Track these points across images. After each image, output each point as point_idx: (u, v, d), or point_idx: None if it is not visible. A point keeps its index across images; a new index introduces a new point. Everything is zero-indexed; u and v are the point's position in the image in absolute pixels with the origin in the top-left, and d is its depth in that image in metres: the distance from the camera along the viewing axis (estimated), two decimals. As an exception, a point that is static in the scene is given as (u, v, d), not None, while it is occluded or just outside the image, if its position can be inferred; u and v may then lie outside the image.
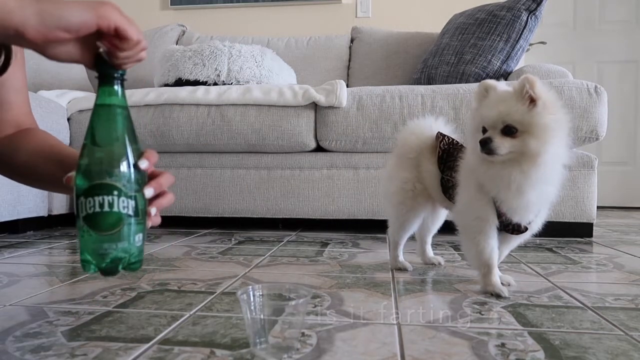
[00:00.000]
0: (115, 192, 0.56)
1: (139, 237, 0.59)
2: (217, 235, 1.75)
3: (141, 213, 0.59)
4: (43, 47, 0.52)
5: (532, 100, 0.84)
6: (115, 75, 0.57)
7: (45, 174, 0.75)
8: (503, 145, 0.85)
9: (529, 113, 0.84)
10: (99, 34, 0.54)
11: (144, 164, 0.59)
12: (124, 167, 0.57)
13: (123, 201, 0.56)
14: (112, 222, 0.56)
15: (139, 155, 0.59)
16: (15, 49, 0.76)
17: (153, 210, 0.61)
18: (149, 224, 0.61)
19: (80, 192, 0.56)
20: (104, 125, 0.57)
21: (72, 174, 0.58)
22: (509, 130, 0.86)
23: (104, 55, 0.55)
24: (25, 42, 0.51)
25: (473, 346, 0.67)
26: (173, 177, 0.65)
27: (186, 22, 2.95)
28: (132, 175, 0.57)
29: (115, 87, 0.57)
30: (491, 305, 0.88)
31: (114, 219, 0.56)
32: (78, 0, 0.52)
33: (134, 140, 0.59)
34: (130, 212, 0.57)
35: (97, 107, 0.57)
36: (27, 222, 1.80)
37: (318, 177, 1.81)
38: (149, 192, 0.59)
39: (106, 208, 0.55)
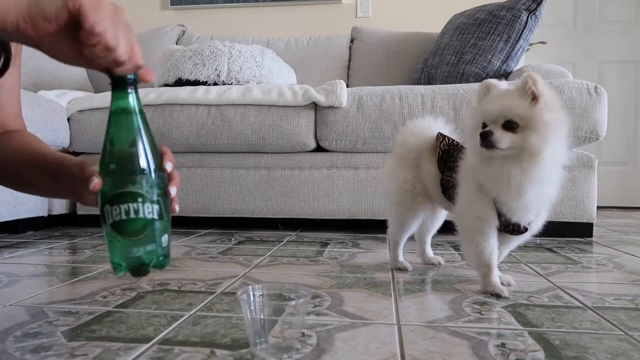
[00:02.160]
0: (140, 199, 0.56)
1: (165, 238, 0.59)
2: (217, 235, 1.75)
3: (165, 214, 0.59)
4: (39, 42, 0.52)
5: (534, 97, 0.85)
6: (127, 80, 0.56)
7: (29, 176, 0.74)
8: (503, 139, 0.85)
9: (530, 109, 0.85)
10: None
11: (169, 167, 0.59)
12: (145, 173, 0.57)
13: (148, 207, 0.57)
14: (139, 228, 0.57)
15: (159, 156, 0.59)
16: (14, 51, 0.75)
17: (177, 207, 0.62)
18: None
19: (104, 200, 0.57)
20: (120, 132, 0.57)
21: (96, 181, 0.56)
22: (510, 125, 0.86)
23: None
24: (20, 36, 0.50)
25: (473, 346, 0.67)
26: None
27: (186, 22, 2.95)
28: (154, 180, 0.57)
29: (129, 91, 0.57)
30: (491, 305, 0.88)
31: (141, 225, 0.56)
32: None
33: (152, 142, 0.58)
34: (156, 216, 0.57)
35: (112, 114, 0.57)
36: (27, 222, 1.80)
37: (318, 177, 1.81)
38: (173, 191, 0.60)
39: (132, 215, 0.56)
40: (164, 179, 0.59)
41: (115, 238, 0.57)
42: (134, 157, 0.56)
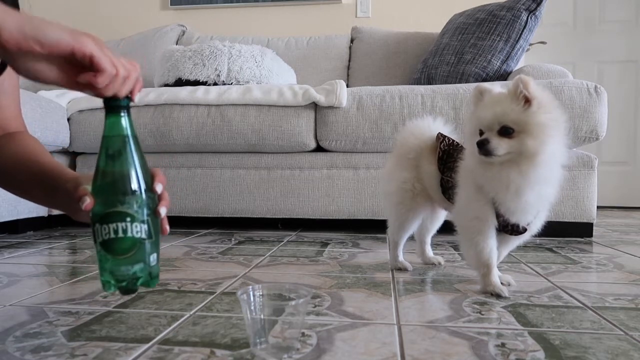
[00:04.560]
0: (128, 219, 0.58)
1: (153, 257, 0.61)
2: (217, 235, 1.75)
3: (154, 234, 0.61)
4: (14, 57, 0.52)
5: (527, 100, 0.84)
6: (121, 105, 0.58)
7: (24, 184, 0.74)
8: (500, 146, 0.85)
9: (524, 113, 0.84)
10: (77, 65, 0.54)
11: (159, 188, 0.61)
12: (134, 194, 0.59)
13: (136, 226, 0.58)
14: (127, 247, 0.58)
15: (149, 177, 0.61)
16: None
17: (167, 227, 0.63)
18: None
19: (95, 219, 0.59)
20: (112, 155, 0.59)
21: (88, 201, 0.58)
22: (505, 131, 0.86)
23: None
24: None
25: (473, 346, 0.67)
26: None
27: (186, 22, 2.95)
28: (143, 201, 0.59)
29: (122, 116, 0.59)
30: (491, 305, 0.88)
31: (129, 244, 0.58)
32: (63, 26, 0.53)
33: (142, 164, 0.60)
34: (144, 236, 0.59)
35: (105, 137, 0.59)
36: (27, 222, 1.80)
37: (318, 177, 1.81)
38: (163, 211, 0.61)
39: (120, 234, 0.58)
40: (153, 200, 0.61)
41: (105, 256, 0.59)
42: (124, 178, 0.58)
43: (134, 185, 0.59)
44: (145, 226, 0.59)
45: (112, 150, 0.59)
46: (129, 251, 0.58)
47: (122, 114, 0.59)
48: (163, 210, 0.61)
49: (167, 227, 0.63)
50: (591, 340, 0.70)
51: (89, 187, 0.60)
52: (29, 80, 0.57)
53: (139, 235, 0.59)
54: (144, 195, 0.59)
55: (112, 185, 0.58)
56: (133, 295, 0.62)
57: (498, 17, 1.99)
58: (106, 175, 0.59)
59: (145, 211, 0.59)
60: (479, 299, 0.92)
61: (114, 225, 0.58)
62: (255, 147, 1.84)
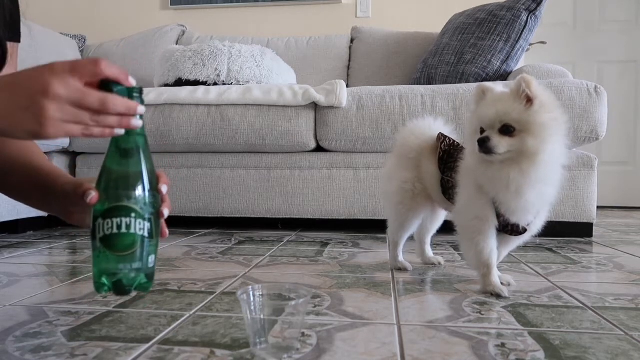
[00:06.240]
0: (133, 214, 0.58)
1: (152, 259, 0.60)
2: (217, 235, 1.75)
3: (155, 234, 0.60)
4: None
5: (529, 100, 0.85)
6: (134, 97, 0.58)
7: (21, 186, 0.74)
8: (501, 144, 0.85)
9: (526, 112, 0.85)
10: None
11: (164, 189, 0.61)
12: (141, 190, 0.58)
13: (139, 223, 0.58)
14: (128, 244, 0.58)
15: (155, 178, 0.61)
16: (11, 50, 0.75)
17: (166, 230, 0.63)
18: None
19: (98, 214, 0.58)
20: (122, 150, 0.59)
21: (93, 194, 0.57)
22: (506, 130, 0.86)
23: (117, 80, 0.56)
24: None
25: (473, 346, 0.67)
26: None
27: (186, 22, 2.95)
28: (149, 199, 0.59)
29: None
30: (491, 305, 0.88)
31: (130, 241, 0.58)
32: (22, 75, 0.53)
33: (150, 164, 0.60)
34: (146, 234, 0.59)
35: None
36: (27, 222, 1.80)
37: (318, 177, 1.81)
38: (166, 212, 0.62)
39: (123, 229, 0.57)
40: (157, 200, 0.61)
41: (104, 253, 0.58)
42: (132, 175, 0.58)
43: (142, 183, 0.59)
44: (148, 224, 0.59)
45: (122, 147, 0.58)
46: (130, 248, 0.58)
47: None
48: (166, 212, 0.62)
49: (167, 230, 0.63)
50: (591, 340, 0.70)
51: (93, 184, 0.60)
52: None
53: (141, 232, 0.58)
54: (149, 194, 0.59)
55: (119, 181, 0.58)
56: (126, 297, 0.61)
57: (498, 17, 1.99)
58: (113, 172, 0.58)
59: (149, 209, 0.59)
60: (479, 299, 0.92)
61: (118, 220, 0.57)
62: (255, 147, 1.84)
